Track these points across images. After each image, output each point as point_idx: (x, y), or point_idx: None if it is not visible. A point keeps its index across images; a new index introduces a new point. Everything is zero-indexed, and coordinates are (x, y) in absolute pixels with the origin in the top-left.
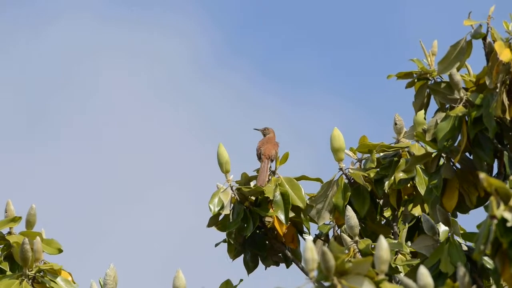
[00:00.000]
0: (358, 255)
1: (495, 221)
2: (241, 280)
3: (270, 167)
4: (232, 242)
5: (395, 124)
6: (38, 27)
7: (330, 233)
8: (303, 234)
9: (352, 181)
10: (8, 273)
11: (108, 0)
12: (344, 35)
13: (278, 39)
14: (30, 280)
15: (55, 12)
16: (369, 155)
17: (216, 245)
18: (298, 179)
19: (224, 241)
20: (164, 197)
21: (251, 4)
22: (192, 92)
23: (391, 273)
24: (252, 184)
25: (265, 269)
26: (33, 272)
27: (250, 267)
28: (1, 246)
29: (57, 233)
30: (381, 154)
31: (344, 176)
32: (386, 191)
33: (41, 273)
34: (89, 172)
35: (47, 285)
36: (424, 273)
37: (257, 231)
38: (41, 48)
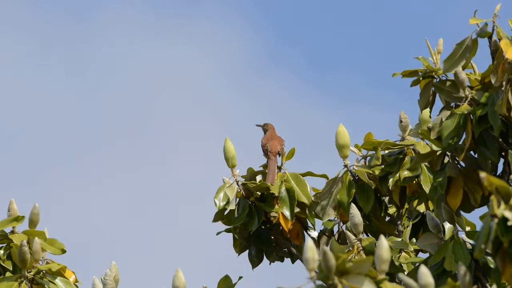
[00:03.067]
0: (362, 253)
1: (496, 220)
2: (240, 277)
3: (277, 162)
4: (237, 237)
5: (401, 121)
6: (83, 40)
7: (335, 229)
8: (308, 230)
9: (356, 178)
10: (8, 274)
11: (149, 10)
12: (389, 46)
13: (318, 49)
14: (29, 282)
15: (100, 23)
16: (374, 152)
17: (218, 233)
18: (304, 175)
19: (227, 230)
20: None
21: (290, 13)
22: (230, 102)
23: (395, 272)
24: (258, 179)
25: (270, 264)
26: (32, 273)
27: (255, 262)
28: (4, 245)
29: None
30: (386, 151)
31: (349, 173)
32: (390, 188)
33: (40, 274)
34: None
35: (46, 286)
36: (425, 272)
37: (262, 227)
38: (85, 61)
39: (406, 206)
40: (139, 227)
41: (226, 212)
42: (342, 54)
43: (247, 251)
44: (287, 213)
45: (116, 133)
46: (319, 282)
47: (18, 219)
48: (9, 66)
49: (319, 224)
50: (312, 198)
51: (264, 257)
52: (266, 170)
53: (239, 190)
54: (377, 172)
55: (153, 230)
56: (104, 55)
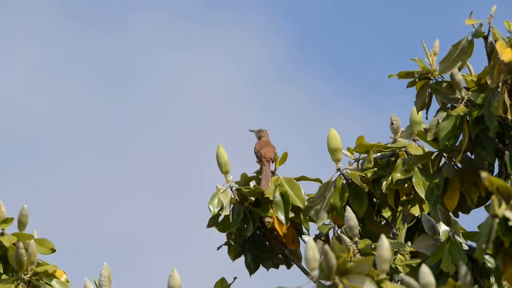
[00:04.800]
0: (358, 256)
1: (497, 220)
2: (235, 278)
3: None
4: (232, 243)
5: (392, 123)
6: (114, 23)
7: (330, 234)
8: (303, 235)
9: (349, 181)
10: (4, 277)
11: (173, 16)
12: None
13: (355, 41)
14: (26, 284)
15: (132, 8)
16: (366, 155)
17: (218, 248)
18: (298, 179)
19: (226, 243)
20: None
21: (326, 5)
22: (268, 93)
23: (391, 273)
24: (251, 184)
25: (267, 270)
26: (28, 275)
27: (252, 268)
28: None
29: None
30: (378, 154)
31: (342, 177)
32: (383, 191)
33: (37, 276)
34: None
35: None
36: (426, 271)
37: (257, 232)
38: (117, 44)
39: (400, 209)
40: (142, 227)
41: (220, 218)
42: (370, 60)
43: (243, 257)
44: (281, 217)
45: (141, 134)
46: (320, 282)
47: (7, 221)
48: (44, 73)
49: (314, 229)
50: (306, 203)
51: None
52: (260, 176)
53: (233, 195)
54: (369, 175)
55: (156, 231)
56: (133, 59)
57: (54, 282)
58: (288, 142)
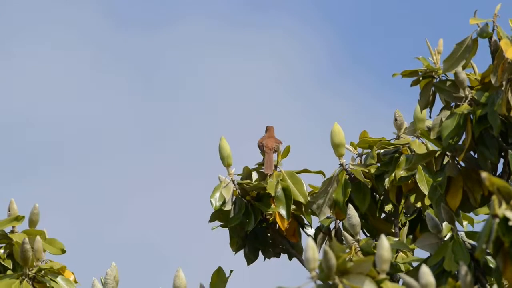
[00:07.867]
0: (360, 254)
1: (497, 220)
2: (231, 271)
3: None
4: (234, 236)
5: (395, 120)
6: (154, 27)
7: (331, 226)
8: (305, 228)
9: (352, 176)
10: (9, 272)
11: (230, 2)
12: None
13: (397, 49)
14: (31, 280)
15: (177, 13)
16: (369, 150)
17: (213, 228)
18: (300, 172)
19: (222, 226)
20: None
21: (370, 12)
22: (311, 99)
23: (393, 272)
24: (254, 177)
25: (264, 260)
26: (33, 271)
27: (251, 259)
28: (4, 244)
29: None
30: (382, 150)
31: (344, 172)
32: (386, 187)
33: (42, 273)
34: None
35: (48, 285)
36: (426, 271)
37: (259, 225)
38: (156, 47)
39: (403, 204)
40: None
41: (222, 212)
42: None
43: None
44: (283, 212)
45: (179, 137)
46: (320, 282)
47: (18, 218)
48: (86, 78)
49: (315, 221)
50: (309, 198)
51: (260, 253)
52: (262, 167)
53: (235, 189)
54: (373, 171)
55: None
56: (171, 63)
57: (59, 279)
58: (325, 148)
